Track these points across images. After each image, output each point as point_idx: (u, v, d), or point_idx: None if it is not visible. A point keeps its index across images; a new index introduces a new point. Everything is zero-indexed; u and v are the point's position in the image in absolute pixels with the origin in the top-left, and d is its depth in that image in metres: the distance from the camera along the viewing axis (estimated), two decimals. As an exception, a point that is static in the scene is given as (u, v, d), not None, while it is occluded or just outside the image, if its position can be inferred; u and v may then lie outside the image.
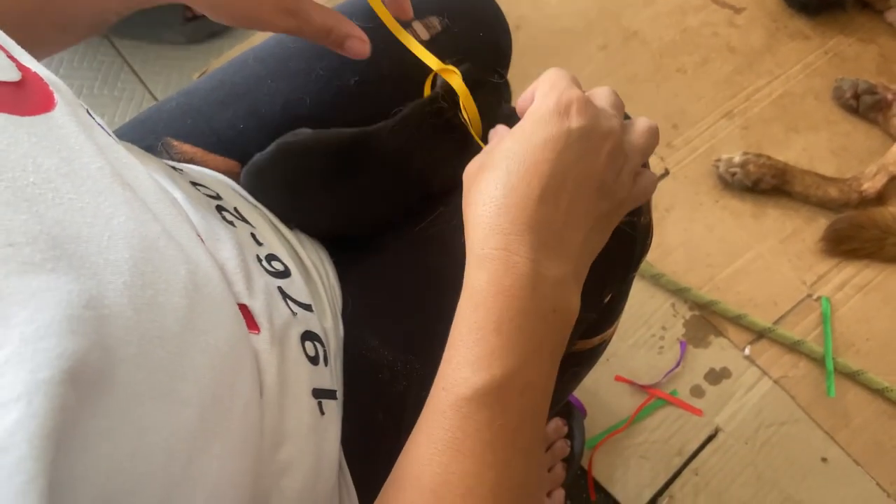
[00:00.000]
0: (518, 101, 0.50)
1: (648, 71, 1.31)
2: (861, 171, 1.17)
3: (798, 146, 1.24)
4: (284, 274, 0.52)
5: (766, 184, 1.16)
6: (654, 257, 1.14)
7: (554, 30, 1.34)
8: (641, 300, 1.11)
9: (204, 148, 0.63)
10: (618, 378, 1.05)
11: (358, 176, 0.59)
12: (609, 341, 0.73)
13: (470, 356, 0.40)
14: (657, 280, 1.12)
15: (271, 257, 0.53)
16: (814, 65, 1.32)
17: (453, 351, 0.41)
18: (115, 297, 0.31)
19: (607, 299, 0.65)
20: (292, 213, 0.59)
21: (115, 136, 0.44)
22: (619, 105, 0.48)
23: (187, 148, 0.63)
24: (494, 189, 0.42)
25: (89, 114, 0.43)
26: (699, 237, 1.16)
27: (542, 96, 0.46)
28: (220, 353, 0.36)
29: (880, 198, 1.15)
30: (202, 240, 0.46)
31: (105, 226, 0.34)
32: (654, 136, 0.48)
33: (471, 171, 0.47)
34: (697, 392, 1.05)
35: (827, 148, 1.24)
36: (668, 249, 1.15)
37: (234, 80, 0.65)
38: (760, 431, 1.02)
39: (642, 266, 1.11)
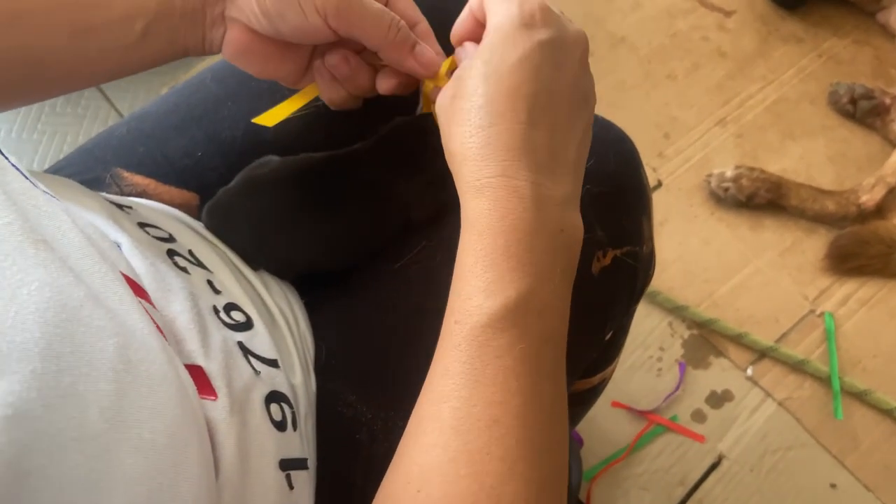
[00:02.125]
0: (457, 24, 0.46)
1: (637, 78, 1.26)
2: (859, 183, 1.12)
3: (795, 154, 1.19)
4: (246, 326, 0.46)
5: (760, 198, 1.11)
6: (649, 274, 1.09)
7: (538, 36, 1.28)
8: (637, 320, 1.05)
9: (157, 178, 0.57)
10: (615, 404, 0.99)
11: (334, 206, 0.53)
12: (609, 379, 0.67)
13: (480, 283, 0.38)
14: (653, 298, 1.06)
15: (230, 307, 0.47)
16: (808, 69, 1.27)
17: (461, 283, 0.39)
18: (20, 392, 0.25)
19: (608, 336, 0.59)
20: (261, 253, 0.53)
21: (33, 179, 0.38)
22: None
23: (139, 179, 0.57)
24: (479, 118, 0.40)
25: (2, 154, 0.36)
26: (695, 252, 1.11)
27: (499, 11, 0.42)
28: (157, 449, 0.30)
29: (880, 210, 1.10)
30: (145, 295, 0.39)
31: (10, 300, 0.27)
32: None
33: (444, 103, 0.43)
34: (699, 417, 1.00)
35: (824, 155, 1.19)
36: (663, 265, 1.10)
37: (191, 103, 0.59)
38: (766, 457, 0.97)
39: (637, 284, 1.06)
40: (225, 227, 0.53)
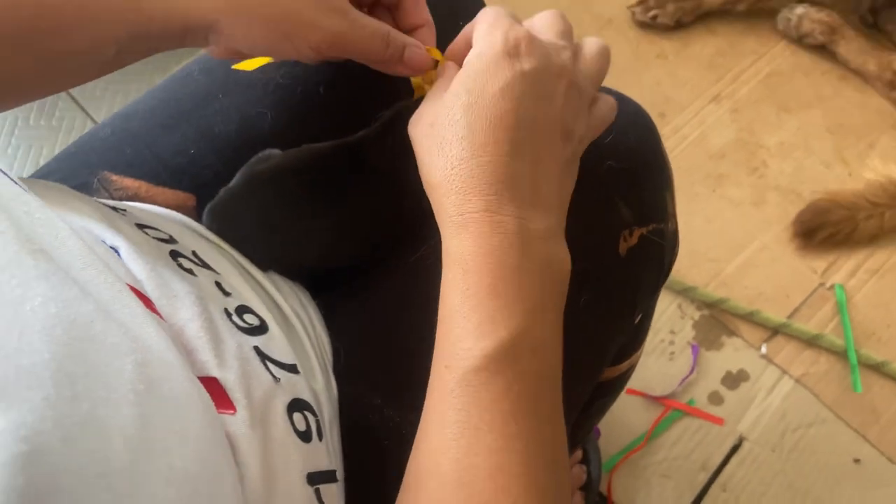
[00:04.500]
0: (450, 48, 0.45)
1: (627, 59, 1.23)
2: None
3: (792, 126, 1.17)
4: (260, 329, 0.43)
5: (813, 39, 1.19)
6: (654, 256, 1.06)
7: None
8: (645, 304, 1.03)
9: (149, 180, 0.53)
10: (629, 391, 0.97)
11: (345, 197, 0.50)
12: (636, 365, 0.64)
13: (469, 325, 0.36)
14: (660, 281, 1.04)
15: (243, 309, 0.43)
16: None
17: (449, 325, 0.37)
18: (33, 423, 0.22)
19: (637, 319, 0.56)
20: (270, 253, 0.50)
21: (23, 184, 0.34)
22: (566, 30, 0.44)
23: (129, 182, 0.53)
24: (461, 149, 0.38)
25: None
26: (699, 231, 1.09)
27: (484, 38, 0.41)
28: (190, 478, 0.26)
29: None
30: (150, 303, 0.36)
31: (13, 318, 0.24)
32: (606, 58, 0.45)
33: (420, 131, 0.41)
34: (716, 399, 0.97)
35: (822, 126, 1.17)
36: (667, 247, 1.07)
37: (178, 97, 0.55)
38: (787, 436, 0.95)
39: (643, 267, 1.03)
40: (230, 228, 0.50)
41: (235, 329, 0.41)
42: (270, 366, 0.41)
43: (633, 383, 0.97)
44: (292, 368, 0.42)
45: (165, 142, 0.54)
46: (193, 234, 0.48)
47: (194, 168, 0.53)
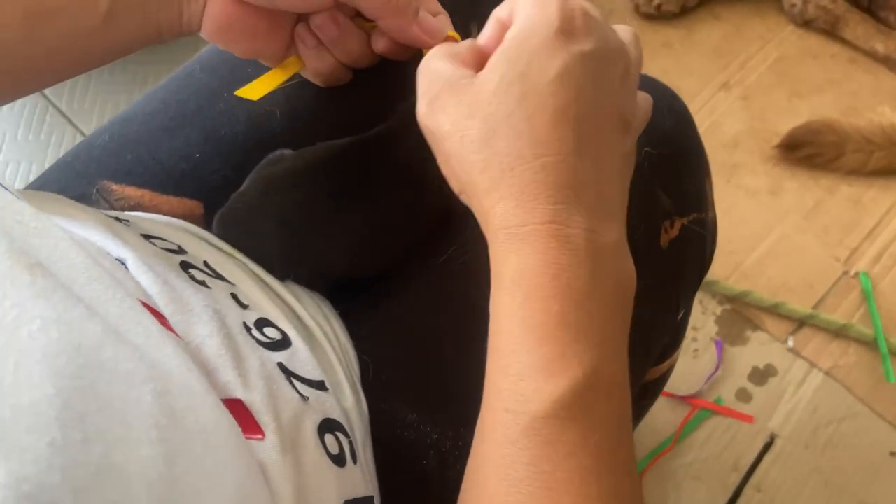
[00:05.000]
0: (483, 36, 0.38)
1: (632, 49, 1.20)
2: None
3: (804, 111, 1.14)
4: (283, 344, 0.39)
5: (819, 24, 1.17)
6: (671, 251, 1.03)
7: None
8: (665, 300, 1.00)
9: (152, 188, 0.49)
10: (654, 392, 0.93)
11: (369, 196, 0.46)
12: (675, 365, 0.61)
13: (536, 361, 0.31)
14: (679, 276, 1.00)
15: (263, 323, 0.39)
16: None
17: (507, 359, 0.32)
18: (37, 476, 0.18)
19: (681, 315, 0.53)
20: (289, 261, 0.46)
21: (14, 191, 0.30)
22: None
23: (131, 191, 0.49)
24: (520, 147, 0.33)
25: None
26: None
27: (533, 10, 0.35)
28: None
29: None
30: (163, 320, 0.32)
31: (6, 346, 0.20)
32: (640, 43, 0.39)
33: (448, 121, 0.35)
34: (744, 396, 0.94)
35: (835, 109, 1.14)
36: (684, 240, 1.04)
37: (180, 99, 0.52)
38: (819, 431, 0.91)
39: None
40: (243, 235, 0.46)
41: (257, 344, 0.37)
42: (297, 383, 0.37)
43: (657, 383, 0.93)
44: (320, 385, 0.38)
45: (168, 146, 0.50)
46: (203, 244, 0.44)
47: (200, 173, 0.49)
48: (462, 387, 0.41)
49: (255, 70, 0.50)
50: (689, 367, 0.95)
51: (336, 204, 0.45)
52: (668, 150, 0.49)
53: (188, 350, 0.32)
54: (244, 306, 0.40)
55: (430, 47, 0.44)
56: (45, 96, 1.21)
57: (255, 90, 0.48)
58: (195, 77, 0.52)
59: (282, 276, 0.46)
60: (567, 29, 0.34)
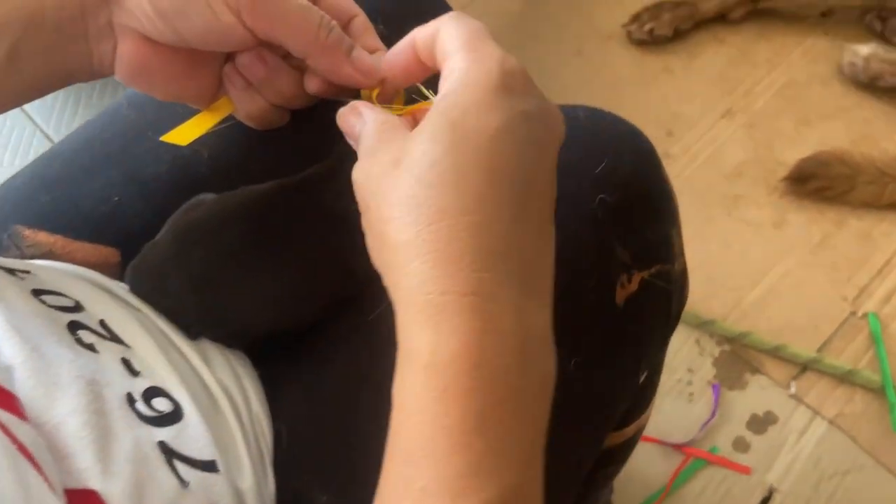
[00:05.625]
0: (394, 52, 0.36)
1: (632, 74, 1.16)
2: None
3: (813, 140, 1.08)
4: (172, 417, 0.35)
5: (885, 81, 1.08)
6: (667, 287, 0.98)
7: (521, 39, 1.19)
8: (659, 340, 0.95)
9: (67, 234, 0.46)
10: (645, 438, 0.88)
11: (292, 246, 0.42)
12: (645, 426, 0.56)
13: (445, 475, 0.26)
14: (675, 314, 0.95)
15: (152, 393, 0.36)
16: (815, 47, 1.17)
17: (413, 468, 0.27)
18: None
19: (643, 378, 0.48)
20: (202, 318, 0.42)
21: None
22: None
23: (43, 237, 0.46)
24: (444, 201, 0.28)
25: None
26: (716, 257, 1.00)
27: (471, 59, 0.31)
28: None
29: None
30: (10, 400, 0.28)
31: None
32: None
33: (374, 168, 0.31)
34: (741, 446, 0.88)
35: (846, 138, 1.08)
36: (682, 276, 0.98)
37: (104, 138, 0.48)
38: (822, 485, 0.85)
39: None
40: (154, 289, 0.42)
41: (138, 420, 0.33)
42: (179, 465, 0.33)
43: (648, 430, 0.88)
44: (209, 466, 0.34)
45: (87, 188, 0.46)
46: (109, 299, 0.41)
47: (119, 218, 0.46)
48: (380, 471, 0.36)
49: (185, 108, 0.47)
50: (682, 413, 0.90)
51: (255, 255, 0.42)
52: (626, 195, 0.44)
53: (36, 431, 0.28)
54: (135, 373, 0.36)
55: (367, 87, 0.40)
56: (32, 120, 1.19)
57: (182, 135, 0.45)
58: (122, 114, 0.49)
59: (194, 335, 0.42)
60: (508, 85, 0.31)
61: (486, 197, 0.29)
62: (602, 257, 0.43)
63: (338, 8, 0.41)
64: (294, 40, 0.37)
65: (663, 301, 0.46)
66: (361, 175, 0.32)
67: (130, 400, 0.34)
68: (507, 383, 0.27)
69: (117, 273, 0.45)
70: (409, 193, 0.29)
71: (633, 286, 0.44)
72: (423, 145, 0.29)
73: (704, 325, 0.95)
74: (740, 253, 1.00)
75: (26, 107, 1.21)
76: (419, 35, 0.35)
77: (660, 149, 1.09)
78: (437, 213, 0.28)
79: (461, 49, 0.32)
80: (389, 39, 0.50)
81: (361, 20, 0.42)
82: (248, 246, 0.41)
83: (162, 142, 0.47)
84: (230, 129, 0.47)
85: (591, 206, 0.43)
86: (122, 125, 0.48)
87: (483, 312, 0.27)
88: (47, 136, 1.18)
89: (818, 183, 1.02)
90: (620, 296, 0.43)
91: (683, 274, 0.49)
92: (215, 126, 0.46)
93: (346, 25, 0.41)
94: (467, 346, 0.27)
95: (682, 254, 0.49)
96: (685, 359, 0.94)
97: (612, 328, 0.43)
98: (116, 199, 0.46)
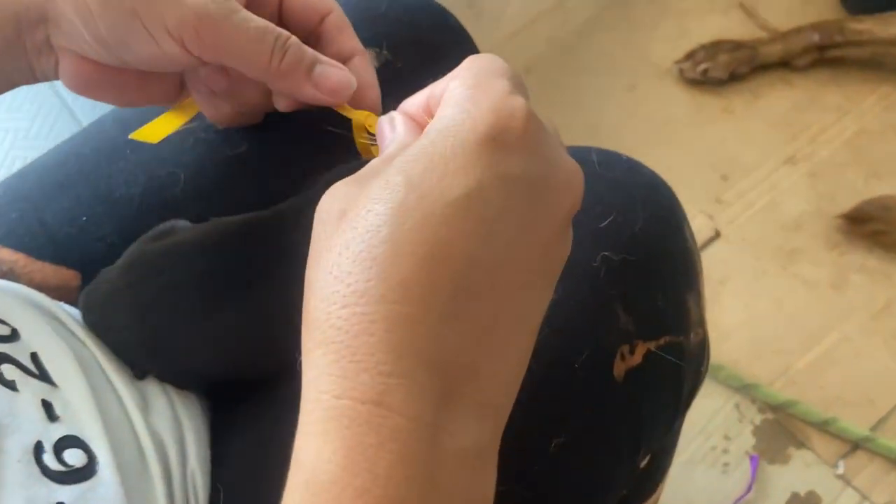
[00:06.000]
0: (410, 101, 0.30)
1: (687, 113, 1.09)
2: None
3: (882, 195, 0.99)
4: (81, 474, 0.31)
5: None
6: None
7: (571, 70, 1.14)
8: (695, 401, 0.87)
9: (30, 252, 0.43)
10: (670, 509, 0.81)
11: (253, 287, 0.38)
12: (651, 512, 0.49)
13: None
14: (715, 374, 0.88)
15: (67, 443, 0.32)
16: (892, 95, 1.08)
17: None
18: None
19: (644, 462, 0.42)
20: (151, 357, 0.39)
21: None
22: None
23: (6, 254, 0.43)
24: (365, 278, 0.23)
25: None
26: (765, 316, 0.93)
27: (460, 101, 0.25)
28: None
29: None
30: None
31: None
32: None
33: (326, 214, 0.25)
34: (778, 527, 0.80)
35: (920, 196, 0.99)
36: (725, 333, 0.91)
37: (82, 153, 0.46)
38: (868, 581, 0.77)
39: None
40: (102, 320, 0.39)
41: (38, 475, 0.29)
42: None
43: (674, 499, 0.81)
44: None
45: (57, 206, 0.44)
46: (51, 329, 0.37)
47: (85, 239, 0.43)
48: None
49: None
50: (715, 484, 0.82)
51: (211, 294, 0.38)
52: (636, 255, 0.39)
53: None
54: (54, 418, 0.32)
55: (336, 105, 0.37)
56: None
57: (152, 133, 0.41)
58: (104, 129, 0.46)
59: (140, 374, 0.38)
60: (498, 137, 0.24)
61: (418, 283, 0.23)
62: (600, 323, 0.38)
63: (307, 7, 0.37)
64: (245, 68, 0.34)
65: (672, 378, 0.40)
66: (324, 206, 0.26)
67: (38, 450, 0.31)
68: None
69: (75, 298, 0.42)
70: (335, 260, 0.24)
71: (636, 358, 0.39)
72: (369, 203, 0.24)
73: (746, 389, 0.87)
74: (793, 313, 0.93)
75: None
76: (436, 91, 0.29)
77: (712, 193, 1.04)
78: (354, 295, 0.23)
79: (461, 86, 0.26)
80: (397, 69, 0.47)
81: (335, 18, 0.38)
82: (204, 284, 0.37)
83: (138, 161, 0.44)
84: (210, 150, 0.44)
85: (593, 264, 0.38)
86: (100, 141, 0.46)
87: (381, 427, 0.22)
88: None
89: (876, 226, 0.95)
90: (620, 368, 0.38)
91: (701, 347, 0.43)
92: (187, 123, 0.43)
93: (318, 26, 0.38)
94: (354, 467, 0.22)
95: (700, 324, 0.43)
96: (722, 424, 0.86)
97: (607, 405, 0.38)
98: (84, 218, 0.43)
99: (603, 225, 0.39)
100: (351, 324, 0.23)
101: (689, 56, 1.10)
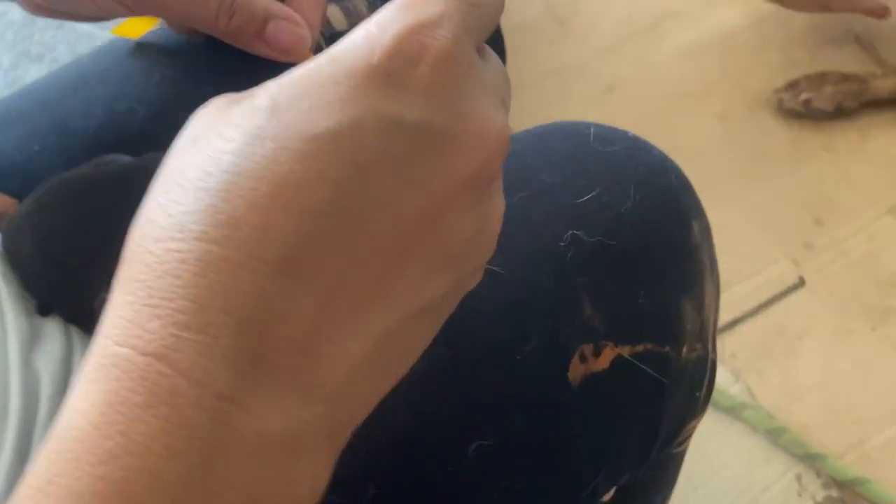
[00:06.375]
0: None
1: (783, 147, 0.99)
2: None
3: None
4: None
5: None
6: (776, 403, 0.80)
7: (659, 94, 1.06)
8: (750, 464, 0.77)
9: (-24, 178, 0.41)
10: (702, 583, 0.70)
11: None
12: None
13: None
14: (776, 438, 0.77)
15: None
16: None
17: None
18: None
19: (608, 497, 0.34)
20: (53, 291, 0.36)
21: None
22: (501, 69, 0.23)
23: (-50, 177, 0.41)
24: (191, 209, 0.19)
25: None
26: (845, 379, 0.81)
27: (376, 20, 0.21)
28: None
29: None
30: None
31: None
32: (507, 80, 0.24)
33: (189, 131, 0.21)
34: None
35: None
36: (796, 393, 0.80)
37: (51, 83, 0.44)
38: None
39: (753, 415, 0.77)
40: (12, 248, 0.36)
41: None
42: None
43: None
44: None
45: (13, 133, 0.42)
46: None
47: (32, 170, 0.41)
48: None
49: (138, 61, 0.41)
50: (760, 563, 0.71)
51: (113, 230, 0.34)
52: (617, 240, 0.32)
53: None
54: None
55: (298, 60, 0.33)
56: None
57: (133, 28, 0.41)
58: (80, 61, 0.44)
59: (43, 310, 0.35)
60: (395, 72, 0.20)
61: (247, 223, 0.18)
62: (558, 312, 0.31)
63: None
64: (195, 25, 0.34)
65: (649, 394, 0.33)
66: (186, 128, 0.21)
67: None
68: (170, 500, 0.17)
69: (9, 228, 0.39)
70: (167, 187, 0.20)
71: (602, 363, 0.31)
72: (224, 127, 0.20)
73: (811, 459, 0.76)
74: (878, 380, 0.81)
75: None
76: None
77: (801, 237, 0.93)
78: (173, 228, 0.19)
79: (393, 5, 0.21)
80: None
81: (310, 2, 0.35)
82: (108, 218, 0.34)
83: (99, 93, 0.41)
84: (174, 90, 0.41)
85: (560, 244, 0.32)
86: (72, 73, 0.44)
87: (155, 387, 0.17)
88: None
89: None
90: (577, 370, 0.31)
91: (701, 368, 0.35)
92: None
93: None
94: (108, 427, 0.17)
95: (700, 340, 0.35)
96: (778, 496, 0.75)
97: (555, 410, 0.31)
98: (35, 148, 0.41)
99: (580, 201, 0.32)
100: (162, 261, 0.18)
101: (791, 86, 1.00)
